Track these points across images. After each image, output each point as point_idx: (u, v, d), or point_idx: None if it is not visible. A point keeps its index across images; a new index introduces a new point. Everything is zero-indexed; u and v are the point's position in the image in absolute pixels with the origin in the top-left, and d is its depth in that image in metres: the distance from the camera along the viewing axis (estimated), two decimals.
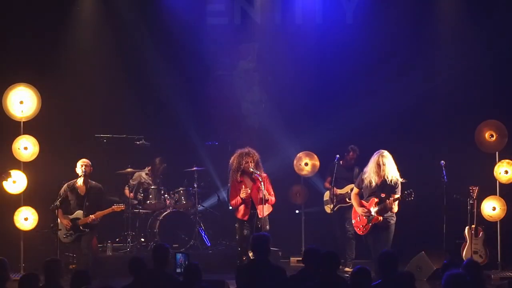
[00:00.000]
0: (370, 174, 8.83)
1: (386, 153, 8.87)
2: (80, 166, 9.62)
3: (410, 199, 8.73)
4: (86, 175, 9.63)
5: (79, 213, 9.59)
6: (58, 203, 9.43)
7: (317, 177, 11.56)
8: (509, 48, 11.59)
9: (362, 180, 8.94)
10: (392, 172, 8.79)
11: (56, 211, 9.44)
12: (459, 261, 7.28)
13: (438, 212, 10.14)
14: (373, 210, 8.80)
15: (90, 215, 9.55)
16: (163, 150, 11.85)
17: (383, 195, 8.76)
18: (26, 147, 10.51)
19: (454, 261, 6.83)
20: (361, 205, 8.96)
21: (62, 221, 9.53)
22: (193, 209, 11.43)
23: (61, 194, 9.65)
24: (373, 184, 8.80)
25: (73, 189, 9.68)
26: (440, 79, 12.05)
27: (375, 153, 8.95)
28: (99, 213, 9.62)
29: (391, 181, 8.76)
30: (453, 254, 9.85)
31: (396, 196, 8.74)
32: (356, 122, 12.04)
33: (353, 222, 9.26)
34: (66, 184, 9.77)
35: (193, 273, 6.28)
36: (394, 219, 8.88)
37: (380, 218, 8.77)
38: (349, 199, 10.24)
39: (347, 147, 11.19)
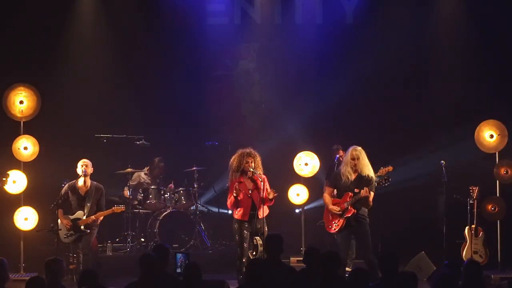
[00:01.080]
0: (346, 170, 8.70)
1: (359, 148, 8.78)
2: (81, 166, 9.60)
3: (386, 184, 8.64)
4: (86, 175, 9.62)
5: (79, 213, 9.58)
6: (59, 202, 9.42)
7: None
8: (509, 47, 11.60)
9: (339, 178, 8.76)
10: (366, 168, 8.66)
11: (57, 211, 9.43)
12: (459, 261, 7.28)
13: (438, 212, 10.14)
14: (347, 203, 8.62)
15: (91, 216, 9.55)
16: (163, 150, 11.86)
17: (357, 190, 8.59)
18: (26, 147, 10.51)
19: (454, 261, 6.82)
20: (334, 204, 8.74)
21: (63, 221, 9.52)
22: (193, 209, 11.43)
23: (62, 194, 9.64)
24: (350, 180, 8.67)
25: (73, 189, 9.66)
26: (440, 79, 12.06)
27: (348, 149, 8.85)
28: (100, 214, 9.60)
29: (366, 175, 8.63)
30: (453, 254, 9.83)
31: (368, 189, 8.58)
32: (356, 121, 12.06)
33: (323, 222, 9.01)
34: (67, 185, 9.76)
35: (193, 272, 6.28)
36: (367, 220, 8.70)
37: (354, 210, 8.58)
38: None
39: (347, 146, 11.17)
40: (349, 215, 8.63)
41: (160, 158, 11.63)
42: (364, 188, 8.52)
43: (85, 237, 9.54)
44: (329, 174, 10.91)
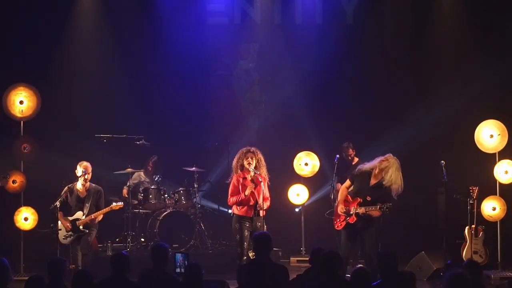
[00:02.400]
0: (368, 173, 8.50)
1: (392, 159, 8.42)
2: (81, 171, 9.51)
3: (386, 211, 8.36)
4: (86, 178, 9.55)
5: (79, 213, 9.55)
6: (58, 203, 9.39)
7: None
8: (509, 47, 11.60)
9: (357, 177, 8.65)
10: (396, 179, 8.38)
11: (57, 213, 9.38)
12: (459, 261, 7.28)
13: (438, 211, 10.12)
14: (353, 209, 8.50)
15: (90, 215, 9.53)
16: (163, 150, 11.86)
17: (368, 199, 8.44)
18: (26, 148, 10.51)
19: (456, 261, 6.82)
20: (344, 201, 8.63)
21: (63, 223, 9.48)
22: (193, 209, 11.44)
23: (61, 195, 9.61)
24: (367, 184, 8.52)
25: (72, 192, 9.61)
26: (441, 78, 12.06)
27: (387, 156, 8.49)
28: (98, 213, 9.56)
29: (389, 185, 8.38)
30: (453, 254, 9.83)
31: (377, 206, 8.39)
32: (356, 121, 12.07)
33: (331, 214, 8.93)
34: (66, 187, 9.70)
35: (194, 273, 6.27)
36: (375, 222, 8.54)
37: (355, 218, 8.44)
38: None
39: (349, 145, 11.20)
40: (351, 222, 8.52)
41: (154, 156, 11.64)
42: (371, 207, 8.36)
43: (84, 237, 9.52)
44: (336, 173, 10.81)
